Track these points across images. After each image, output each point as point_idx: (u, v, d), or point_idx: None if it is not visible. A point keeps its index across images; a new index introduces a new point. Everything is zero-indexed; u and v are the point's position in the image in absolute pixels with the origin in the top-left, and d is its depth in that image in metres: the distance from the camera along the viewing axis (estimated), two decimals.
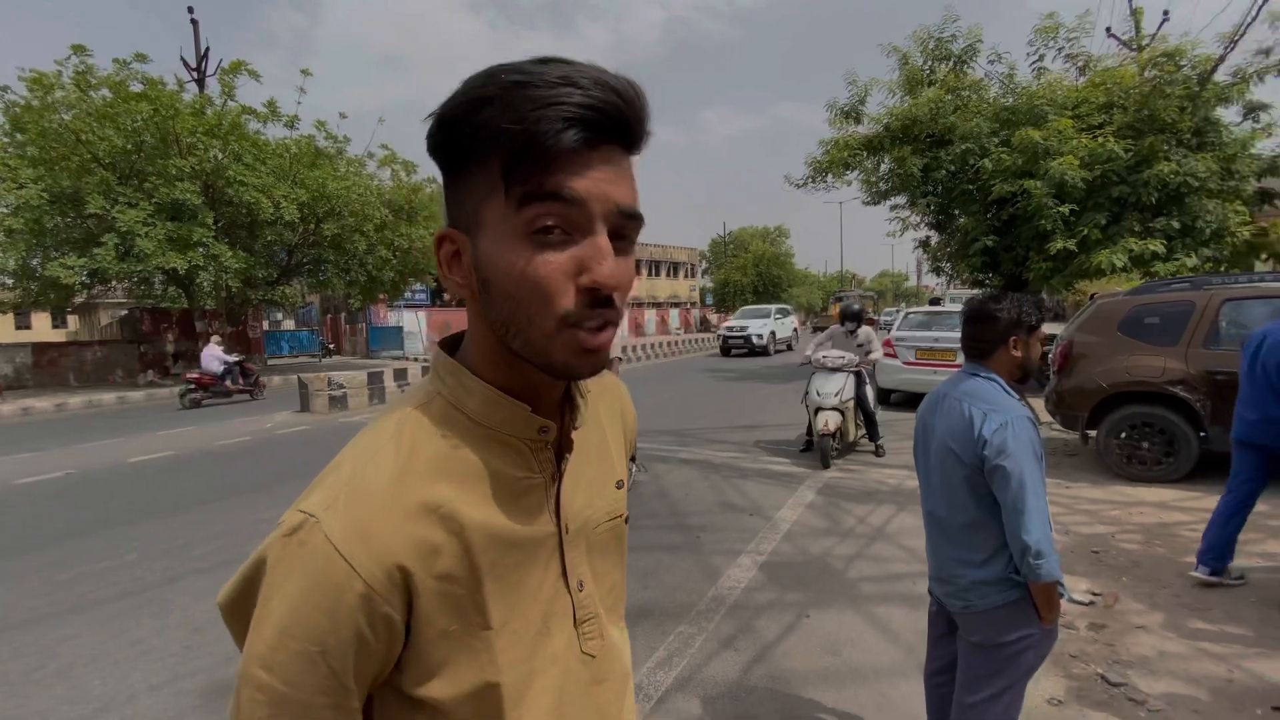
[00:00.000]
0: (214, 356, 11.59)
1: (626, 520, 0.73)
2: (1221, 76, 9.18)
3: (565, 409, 0.65)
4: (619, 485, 0.71)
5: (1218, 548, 3.34)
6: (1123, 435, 5.40)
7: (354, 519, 0.52)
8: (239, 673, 0.52)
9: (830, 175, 12.47)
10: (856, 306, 6.79)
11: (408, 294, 22.07)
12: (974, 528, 1.66)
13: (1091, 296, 10.38)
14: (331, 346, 23.88)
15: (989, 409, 1.63)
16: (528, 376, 0.58)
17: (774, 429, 8.04)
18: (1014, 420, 1.59)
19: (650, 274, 42.38)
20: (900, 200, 12.47)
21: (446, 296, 27.07)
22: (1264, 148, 9.76)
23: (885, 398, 9.38)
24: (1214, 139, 9.32)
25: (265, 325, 22.30)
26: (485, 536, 0.56)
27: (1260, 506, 4.61)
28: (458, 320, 23.39)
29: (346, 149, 16.80)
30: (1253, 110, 9.58)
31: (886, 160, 11.78)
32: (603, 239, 0.52)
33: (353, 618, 0.50)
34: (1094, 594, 3.35)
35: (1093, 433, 5.71)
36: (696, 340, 25.87)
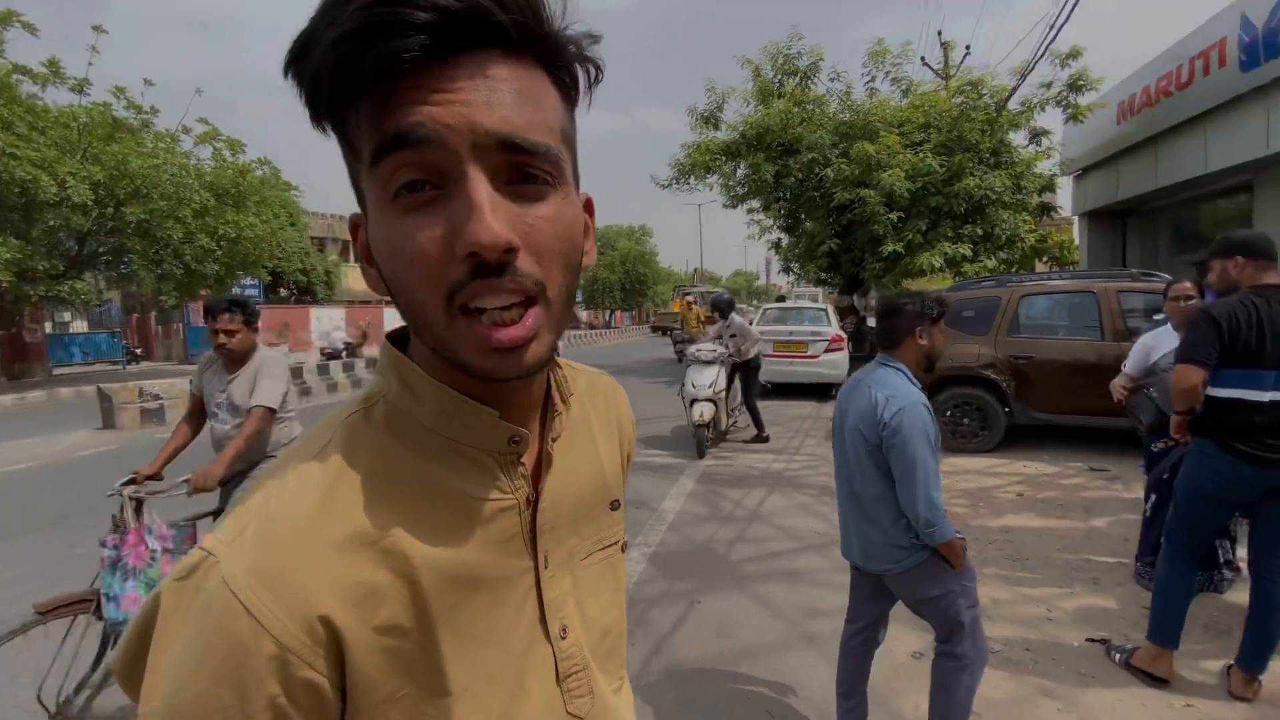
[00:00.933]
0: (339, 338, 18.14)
1: (624, 548, 0.62)
2: (1013, 105, 10.84)
3: (544, 415, 0.53)
4: (614, 507, 0.60)
5: None
6: (948, 413, 6.19)
7: (263, 556, 0.39)
8: None
9: (692, 177, 12.97)
10: (727, 297, 7.12)
11: (236, 289, 19.61)
12: (880, 499, 1.87)
13: None
14: (139, 351, 20.56)
15: (890, 395, 1.82)
16: (474, 380, 0.46)
17: (651, 423, 8.20)
18: (910, 406, 1.78)
19: None
20: (755, 204, 13.29)
21: (284, 291, 24.63)
22: (1044, 167, 11.67)
23: None
24: (1007, 159, 10.99)
25: (49, 327, 18.68)
26: (439, 576, 0.44)
27: (1078, 479, 5.47)
28: (298, 319, 21.19)
29: (154, 122, 14.51)
30: (1036, 135, 11.43)
31: (743, 166, 12.49)
32: (474, 185, 0.38)
33: (263, 689, 0.38)
34: None
35: None
36: (569, 337, 25.81)
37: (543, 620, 0.51)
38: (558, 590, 0.52)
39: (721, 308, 6.93)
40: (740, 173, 12.77)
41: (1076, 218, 14.59)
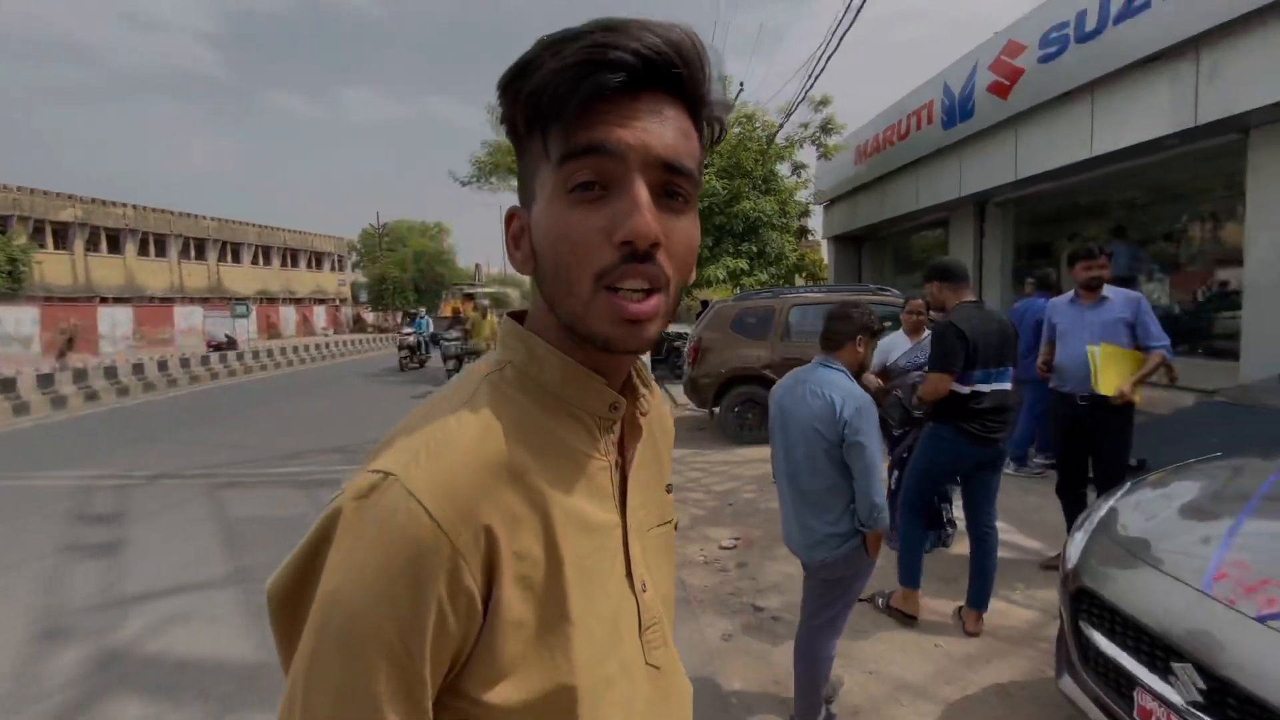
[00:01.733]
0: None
1: (676, 526, 0.71)
2: (780, 140, 12.38)
3: (628, 394, 0.61)
4: (669, 489, 0.69)
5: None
6: (736, 409, 6.79)
7: (441, 473, 0.46)
8: (293, 670, 0.45)
9: (495, 178, 12.62)
10: (485, 302, 7.05)
11: None
12: (831, 491, 2.06)
13: (704, 303, 12.90)
14: None
15: (845, 395, 1.99)
16: (588, 354, 0.55)
17: None
18: (865, 405, 1.98)
19: (287, 264, 36.46)
20: None
21: None
22: (803, 196, 13.51)
23: None
24: (775, 186, 12.51)
25: None
26: (564, 513, 0.51)
27: None
28: None
29: None
30: (797, 168, 13.21)
31: None
32: (638, 190, 0.48)
33: (436, 588, 0.44)
34: (735, 538, 4.10)
35: (717, 409, 7.05)
36: (353, 342, 23.35)
37: (629, 574, 0.57)
38: (637, 549, 0.58)
39: (482, 313, 6.85)
40: None
41: (825, 240, 17.22)
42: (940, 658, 2.71)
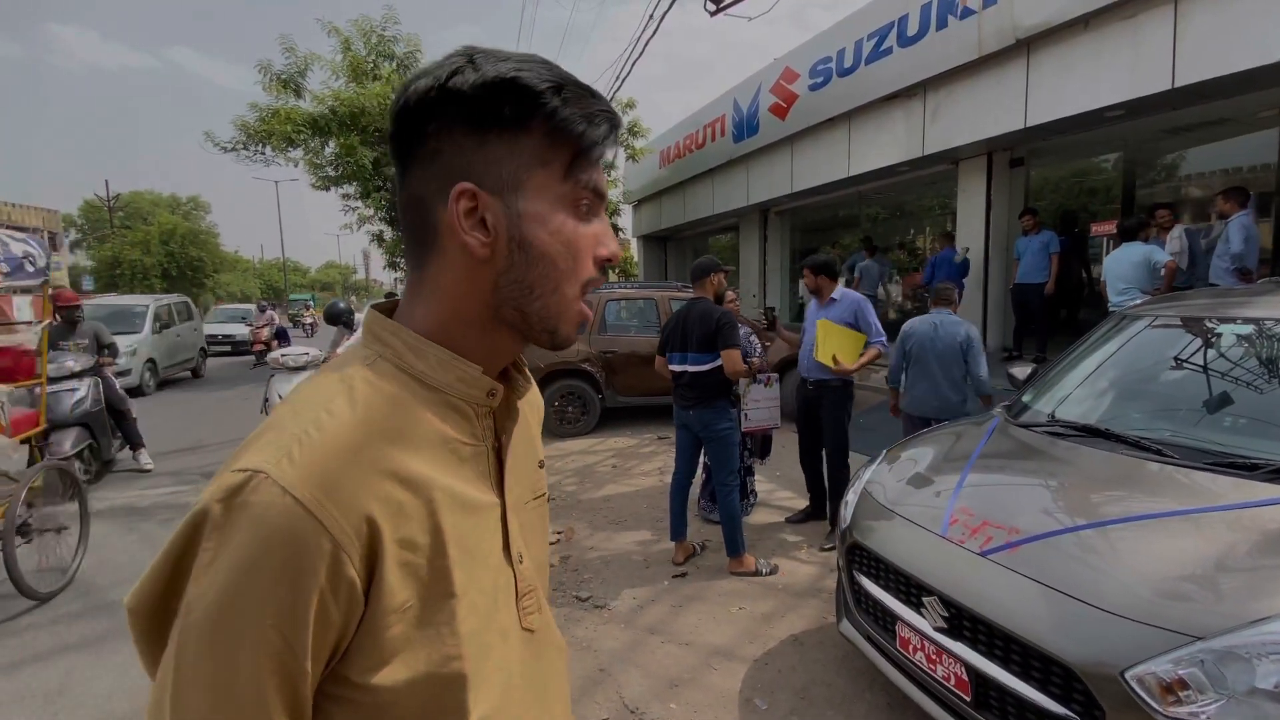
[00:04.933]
0: None
1: (549, 499, 0.74)
2: None
3: (507, 381, 0.65)
4: (540, 465, 0.73)
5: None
6: (556, 403, 6.80)
7: (317, 469, 0.46)
8: (160, 671, 0.45)
9: (269, 147, 11.02)
10: (342, 305, 6.29)
11: None
12: (964, 378, 3.70)
13: None
14: None
15: (965, 325, 3.72)
16: (483, 345, 0.58)
17: (224, 447, 6.63)
18: (974, 329, 3.71)
19: None
20: (352, 190, 12.12)
21: None
22: (613, 195, 13.92)
23: None
24: None
25: None
26: (446, 496, 0.53)
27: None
28: None
29: None
30: (606, 167, 13.48)
31: (334, 145, 11.22)
32: (607, 222, 0.61)
33: (317, 581, 0.44)
34: (557, 532, 4.11)
35: None
36: None
37: (506, 548, 0.60)
38: (514, 525, 0.62)
39: (344, 319, 5.95)
40: (330, 151, 11.44)
41: (635, 239, 17.96)
42: (744, 619, 2.99)
